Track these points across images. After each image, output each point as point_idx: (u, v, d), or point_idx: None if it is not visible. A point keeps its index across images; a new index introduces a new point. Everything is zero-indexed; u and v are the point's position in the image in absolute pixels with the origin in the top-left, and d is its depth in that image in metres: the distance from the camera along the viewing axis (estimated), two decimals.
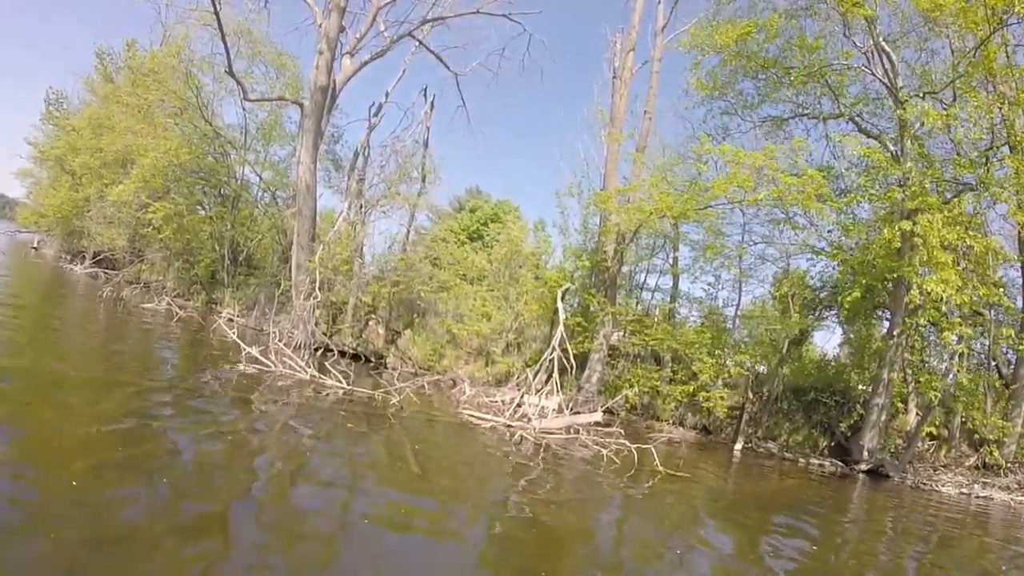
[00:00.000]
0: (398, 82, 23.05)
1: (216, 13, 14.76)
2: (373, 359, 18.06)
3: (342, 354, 17.18)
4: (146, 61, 22.30)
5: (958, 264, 12.53)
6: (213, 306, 21.63)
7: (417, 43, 22.71)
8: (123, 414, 7.27)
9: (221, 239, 22.17)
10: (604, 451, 10.34)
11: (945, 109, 12.91)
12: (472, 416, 11.56)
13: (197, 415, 8.13)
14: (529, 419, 11.41)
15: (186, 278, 22.78)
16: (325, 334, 17.63)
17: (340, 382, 11.92)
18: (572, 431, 11.59)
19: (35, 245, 38.48)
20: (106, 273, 23.21)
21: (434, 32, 23.12)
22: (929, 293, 11.95)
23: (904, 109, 13.07)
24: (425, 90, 22.22)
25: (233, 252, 22.32)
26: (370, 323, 20.13)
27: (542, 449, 10.35)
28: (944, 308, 13.10)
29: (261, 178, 23.75)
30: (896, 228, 12.53)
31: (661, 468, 9.98)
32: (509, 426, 11.02)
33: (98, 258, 25.94)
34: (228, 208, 23.24)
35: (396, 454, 8.53)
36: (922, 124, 13.25)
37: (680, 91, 18.52)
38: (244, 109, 22.10)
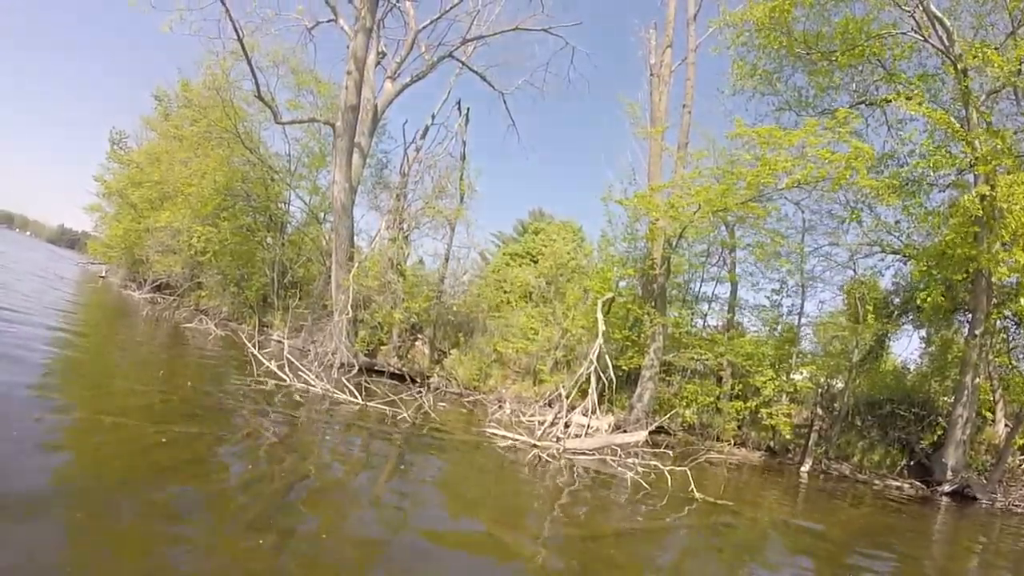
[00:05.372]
0: (443, 104, 22.81)
1: (240, 40, 14.93)
2: (418, 379, 17.57)
3: (380, 373, 16.88)
4: (191, 95, 23.07)
5: None
6: (264, 328, 21.81)
7: (460, 64, 22.57)
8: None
9: (272, 263, 22.48)
10: (629, 473, 9.39)
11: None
12: (496, 434, 10.80)
13: (171, 420, 7.51)
14: (558, 439, 10.52)
15: (239, 302, 23.14)
16: (366, 353, 17.35)
17: (355, 397, 11.43)
18: (608, 452, 10.65)
19: (103, 275, 40.59)
20: (163, 298, 23.92)
21: (477, 52, 23.01)
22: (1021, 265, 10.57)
23: (965, 69, 11.73)
24: (459, 103, 21.94)
25: (282, 275, 22.57)
26: (417, 343, 19.78)
27: (574, 473, 9.35)
28: None
29: (308, 203, 24.01)
30: (975, 194, 11.22)
31: (699, 495, 8.75)
32: (535, 445, 10.16)
33: (157, 284, 26.79)
34: (277, 233, 23.55)
35: (365, 470, 7.68)
36: (986, 96, 11.91)
37: (726, 90, 17.36)
38: (287, 136, 22.45)
